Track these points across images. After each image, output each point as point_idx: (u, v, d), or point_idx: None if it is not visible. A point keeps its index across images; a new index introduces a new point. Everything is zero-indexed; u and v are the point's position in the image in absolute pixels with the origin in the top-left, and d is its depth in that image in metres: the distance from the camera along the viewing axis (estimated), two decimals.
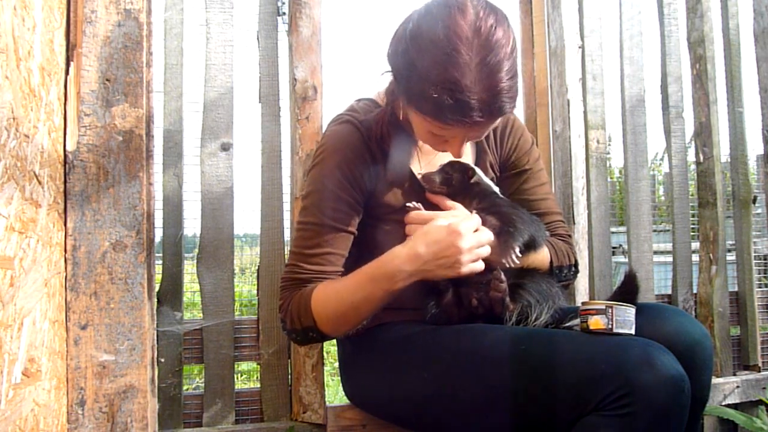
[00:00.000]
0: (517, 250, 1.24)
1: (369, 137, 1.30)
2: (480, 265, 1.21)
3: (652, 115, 2.05)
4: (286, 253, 1.68)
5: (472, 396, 1.15)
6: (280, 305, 1.32)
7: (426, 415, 1.25)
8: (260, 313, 1.67)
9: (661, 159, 5.04)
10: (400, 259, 1.19)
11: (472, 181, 1.31)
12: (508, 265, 1.24)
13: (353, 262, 1.31)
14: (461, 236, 1.15)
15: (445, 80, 1.07)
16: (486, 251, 1.21)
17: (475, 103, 1.08)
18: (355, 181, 1.28)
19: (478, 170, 1.33)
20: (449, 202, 1.30)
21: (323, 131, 1.64)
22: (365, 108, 1.34)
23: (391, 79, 1.23)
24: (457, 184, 1.31)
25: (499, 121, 1.19)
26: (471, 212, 1.28)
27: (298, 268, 1.29)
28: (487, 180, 1.35)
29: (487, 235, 1.21)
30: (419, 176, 1.34)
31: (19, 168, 0.84)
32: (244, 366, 3.12)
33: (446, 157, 1.32)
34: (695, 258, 2.10)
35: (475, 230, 1.20)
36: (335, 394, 2.98)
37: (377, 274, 1.21)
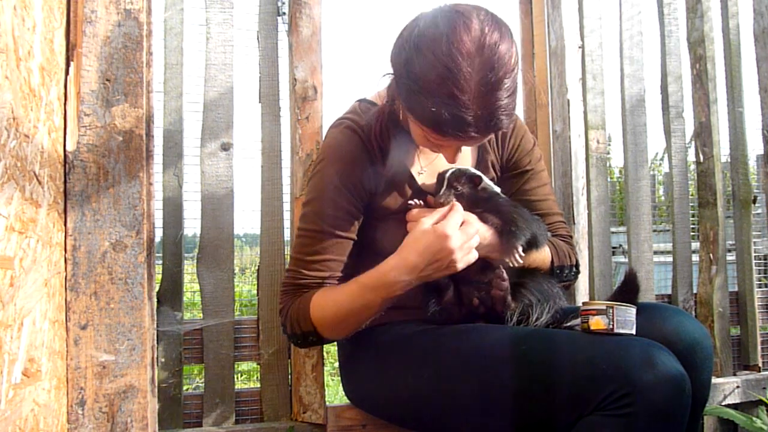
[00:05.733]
0: (520, 248, 1.25)
1: (369, 142, 1.30)
2: (474, 255, 1.21)
3: (652, 115, 2.05)
4: (286, 252, 1.68)
5: (473, 396, 1.15)
6: (280, 309, 1.34)
7: (426, 415, 1.25)
8: (260, 313, 1.66)
9: (661, 159, 5.03)
10: (398, 270, 1.19)
11: (479, 187, 1.31)
12: (511, 264, 1.24)
13: (355, 263, 1.32)
14: (449, 238, 1.16)
15: (444, 95, 1.06)
16: (476, 241, 1.21)
17: (471, 120, 1.08)
18: (355, 188, 1.29)
19: (483, 177, 1.33)
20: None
21: (323, 132, 1.64)
22: (367, 111, 1.34)
23: (392, 79, 1.22)
24: (467, 195, 1.30)
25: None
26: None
27: (298, 274, 1.31)
28: (489, 183, 1.35)
29: (473, 226, 1.21)
30: (433, 199, 1.31)
31: (19, 168, 0.84)
32: (244, 366, 3.12)
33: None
34: (695, 258, 2.10)
35: (462, 223, 1.20)
36: (335, 394, 2.98)
37: (376, 284, 1.22)
